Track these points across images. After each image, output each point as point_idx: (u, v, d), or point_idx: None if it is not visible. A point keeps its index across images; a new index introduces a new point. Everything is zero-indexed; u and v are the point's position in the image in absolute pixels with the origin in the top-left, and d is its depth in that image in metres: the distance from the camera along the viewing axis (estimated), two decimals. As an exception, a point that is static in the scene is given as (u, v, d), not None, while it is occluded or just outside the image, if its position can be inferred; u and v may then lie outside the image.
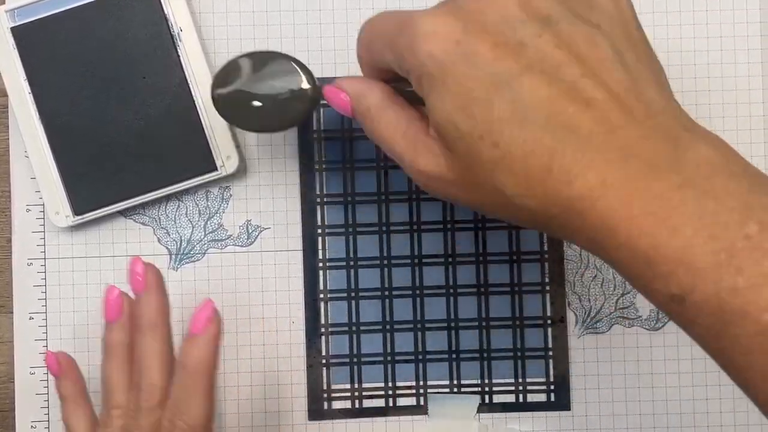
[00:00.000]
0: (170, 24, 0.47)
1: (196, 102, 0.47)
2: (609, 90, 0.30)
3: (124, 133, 0.47)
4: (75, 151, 0.47)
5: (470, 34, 0.30)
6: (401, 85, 0.37)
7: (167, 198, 0.48)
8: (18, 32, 0.47)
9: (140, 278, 0.42)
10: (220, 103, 0.42)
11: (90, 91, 0.47)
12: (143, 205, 0.48)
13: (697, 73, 0.49)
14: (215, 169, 0.47)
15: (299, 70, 0.41)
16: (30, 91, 0.47)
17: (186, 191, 0.48)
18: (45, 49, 0.47)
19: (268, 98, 0.41)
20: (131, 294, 0.43)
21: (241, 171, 0.48)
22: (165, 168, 0.47)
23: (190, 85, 0.47)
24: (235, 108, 0.42)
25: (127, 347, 0.42)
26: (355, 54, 0.36)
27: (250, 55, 0.42)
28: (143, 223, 0.48)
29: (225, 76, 0.42)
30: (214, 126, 0.47)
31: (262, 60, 0.41)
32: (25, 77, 0.47)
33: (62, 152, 0.47)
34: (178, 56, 0.47)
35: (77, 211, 0.47)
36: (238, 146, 0.48)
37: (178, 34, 0.47)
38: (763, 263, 0.27)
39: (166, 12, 0.47)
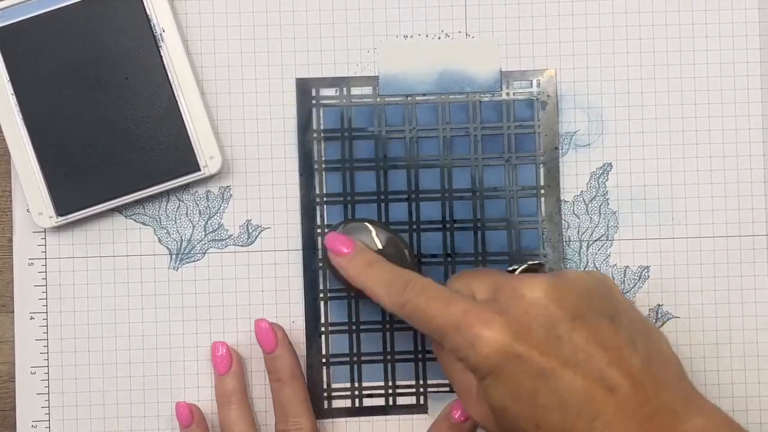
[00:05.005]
0: (153, 25, 0.47)
1: (178, 102, 0.47)
2: (628, 375, 0.36)
3: (107, 134, 0.47)
4: (58, 153, 0.47)
5: (519, 338, 0.37)
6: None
7: (167, 198, 0.48)
8: (1, 34, 0.47)
9: (271, 336, 0.46)
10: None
11: (73, 93, 0.47)
12: (144, 206, 0.48)
13: (697, 73, 0.49)
14: (198, 169, 0.47)
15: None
16: (13, 92, 0.47)
17: (186, 191, 0.48)
18: (28, 50, 0.47)
19: None
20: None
21: (226, 170, 0.48)
22: (148, 169, 0.47)
23: (173, 86, 0.47)
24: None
25: (243, 394, 0.47)
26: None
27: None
28: (144, 223, 0.48)
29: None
30: (197, 126, 0.47)
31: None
32: (8, 78, 0.47)
33: (45, 153, 0.47)
34: (161, 57, 0.47)
35: (60, 212, 0.47)
36: (221, 146, 0.48)
37: (160, 34, 0.47)
38: None
39: (148, 13, 0.47)
